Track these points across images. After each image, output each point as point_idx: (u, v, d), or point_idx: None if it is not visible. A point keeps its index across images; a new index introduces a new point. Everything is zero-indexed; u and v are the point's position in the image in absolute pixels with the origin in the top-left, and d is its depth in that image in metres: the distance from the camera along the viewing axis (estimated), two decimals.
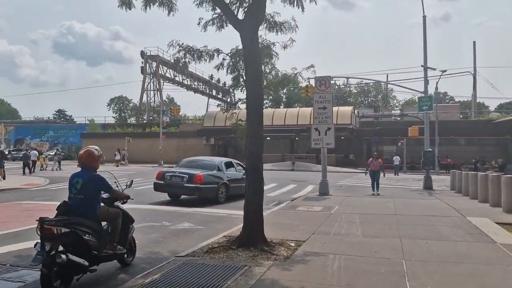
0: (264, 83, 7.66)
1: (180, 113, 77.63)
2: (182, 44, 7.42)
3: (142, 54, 54.54)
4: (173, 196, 13.82)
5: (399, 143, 39.28)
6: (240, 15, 6.82)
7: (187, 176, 12.77)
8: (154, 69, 56.34)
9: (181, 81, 59.51)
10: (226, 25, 7.42)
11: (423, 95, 19.27)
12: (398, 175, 31.88)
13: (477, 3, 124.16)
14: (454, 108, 51.39)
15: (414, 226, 8.63)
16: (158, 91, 59.19)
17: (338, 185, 21.19)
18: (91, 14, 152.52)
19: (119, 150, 40.67)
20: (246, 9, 6.80)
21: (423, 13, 19.50)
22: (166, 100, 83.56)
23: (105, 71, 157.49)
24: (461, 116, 53.78)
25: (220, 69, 7.19)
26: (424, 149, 19.40)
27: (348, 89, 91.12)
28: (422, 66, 18.84)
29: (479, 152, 42.34)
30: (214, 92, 66.57)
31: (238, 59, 7.20)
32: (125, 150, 42.53)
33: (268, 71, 7.57)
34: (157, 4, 7.98)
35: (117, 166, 37.47)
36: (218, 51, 7.21)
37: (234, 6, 7.06)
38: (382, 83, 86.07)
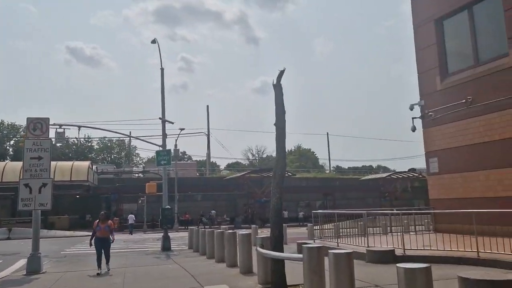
0: None
1: None
2: None
3: None
4: None
5: (140, 201, 37.58)
6: None
7: None
8: None
9: None
10: None
11: (161, 149, 18.26)
12: (132, 234, 31.10)
13: (209, 78, 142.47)
14: (191, 166, 54.35)
15: None
16: None
17: (62, 255, 17.25)
18: None
19: None
20: None
21: (161, 66, 19.05)
22: None
23: None
24: (198, 174, 57.35)
25: None
26: (162, 206, 18.09)
27: (90, 144, 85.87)
28: (160, 118, 17.96)
29: (214, 207, 45.24)
30: None
31: None
32: None
33: None
34: None
35: None
36: None
37: None
38: (126, 140, 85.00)
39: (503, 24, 14.82)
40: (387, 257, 10.09)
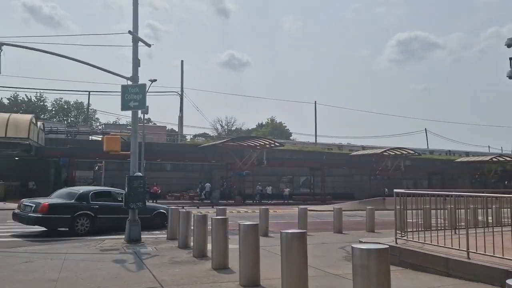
0: None
1: None
2: None
3: None
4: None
5: (96, 167, 30.39)
6: None
7: (34, 205, 12.20)
8: None
9: None
10: None
11: (130, 82, 11.48)
12: None
13: (175, 48, 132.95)
14: (161, 130, 47.16)
15: None
16: None
17: None
18: None
19: None
20: None
21: None
22: None
23: None
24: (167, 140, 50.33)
25: None
26: (129, 174, 11.46)
27: (42, 103, 77.33)
28: (129, 32, 11.22)
29: (186, 178, 38.88)
30: None
31: None
32: None
33: None
34: None
35: None
36: None
37: None
38: (84, 103, 75.82)
39: None
40: None
